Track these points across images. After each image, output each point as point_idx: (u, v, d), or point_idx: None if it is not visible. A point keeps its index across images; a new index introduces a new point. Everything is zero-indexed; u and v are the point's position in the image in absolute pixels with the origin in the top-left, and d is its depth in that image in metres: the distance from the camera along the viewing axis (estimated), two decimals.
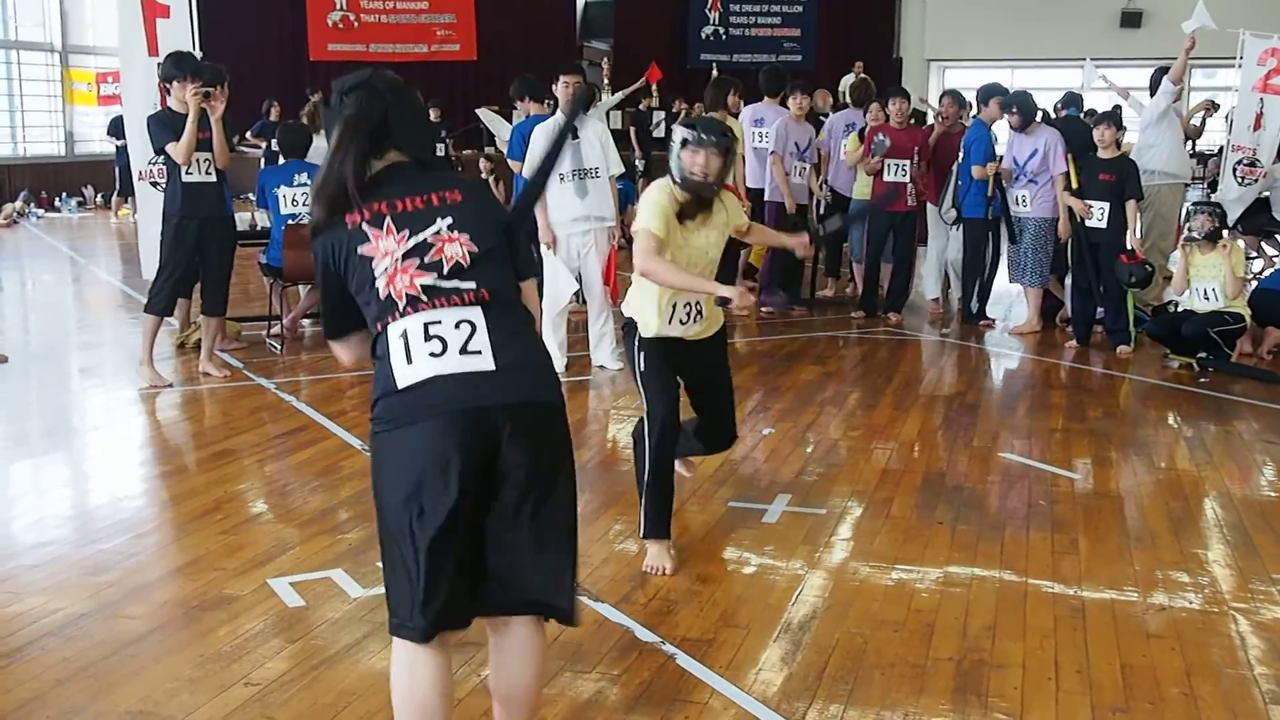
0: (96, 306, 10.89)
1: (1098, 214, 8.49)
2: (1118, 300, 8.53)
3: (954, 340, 9.14)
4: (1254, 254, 11.11)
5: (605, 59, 23.04)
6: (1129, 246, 8.43)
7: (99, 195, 19.51)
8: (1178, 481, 5.67)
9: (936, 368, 8.35)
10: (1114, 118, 8.75)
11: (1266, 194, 10.71)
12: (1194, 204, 8.60)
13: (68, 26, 20.41)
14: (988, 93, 9.55)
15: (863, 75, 13.54)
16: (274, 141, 11.78)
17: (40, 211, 18.38)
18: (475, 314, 2.66)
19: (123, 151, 17.49)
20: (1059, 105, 11.18)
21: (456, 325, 2.64)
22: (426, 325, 2.63)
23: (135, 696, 3.47)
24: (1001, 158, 9.20)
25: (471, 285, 2.67)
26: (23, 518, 5.10)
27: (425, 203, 2.70)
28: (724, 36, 25.38)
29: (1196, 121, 12.40)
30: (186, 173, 7.06)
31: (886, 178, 9.53)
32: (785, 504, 5.23)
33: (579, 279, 7.85)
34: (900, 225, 9.65)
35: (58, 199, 19.13)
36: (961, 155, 9.42)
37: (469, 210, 2.72)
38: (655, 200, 4.44)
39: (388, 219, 2.66)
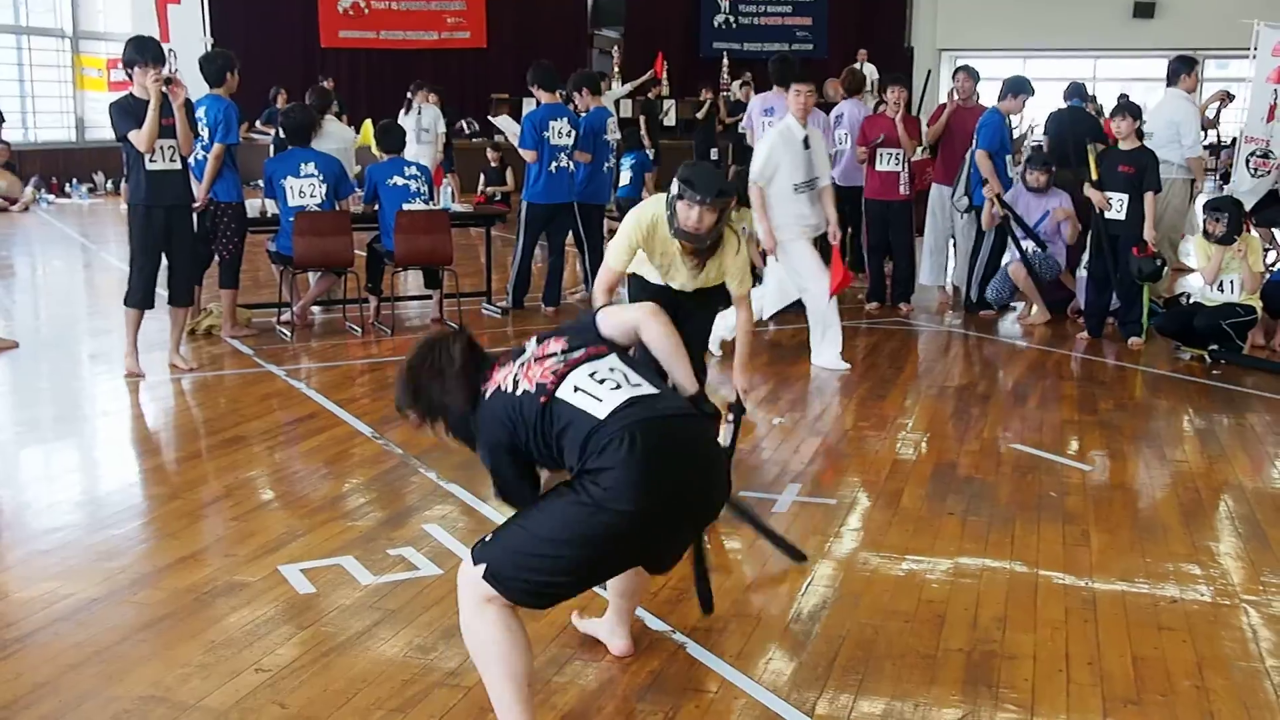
0: (107, 293, 10.88)
1: (1116, 205, 8.41)
2: (1133, 292, 8.48)
3: (964, 331, 9.12)
4: (1267, 246, 11.07)
5: (616, 47, 22.99)
6: (1145, 238, 8.36)
7: (109, 181, 19.51)
8: (1189, 474, 5.66)
9: (947, 358, 8.33)
10: (1131, 108, 8.67)
11: (1278, 186, 10.66)
12: (1205, 206, 8.53)
13: (79, 12, 20.40)
14: (1017, 87, 9.57)
15: (865, 64, 13.50)
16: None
17: (51, 197, 18.39)
18: (613, 358, 3.12)
19: None
20: (1064, 95, 11.14)
21: (610, 370, 3.07)
22: (590, 376, 3.03)
23: (146, 682, 3.48)
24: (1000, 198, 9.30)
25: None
26: (34, 503, 5.11)
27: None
28: (735, 25, 25.33)
29: (1211, 113, 12.36)
30: (150, 160, 6.89)
31: (879, 167, 9.51)
32: (795, 494, 5.23)
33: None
34: (896, 214, 9.59)
35: (68, 185, 19.15)
36: (975, 140, 9.41)
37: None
38: (628, 228, 4.81)
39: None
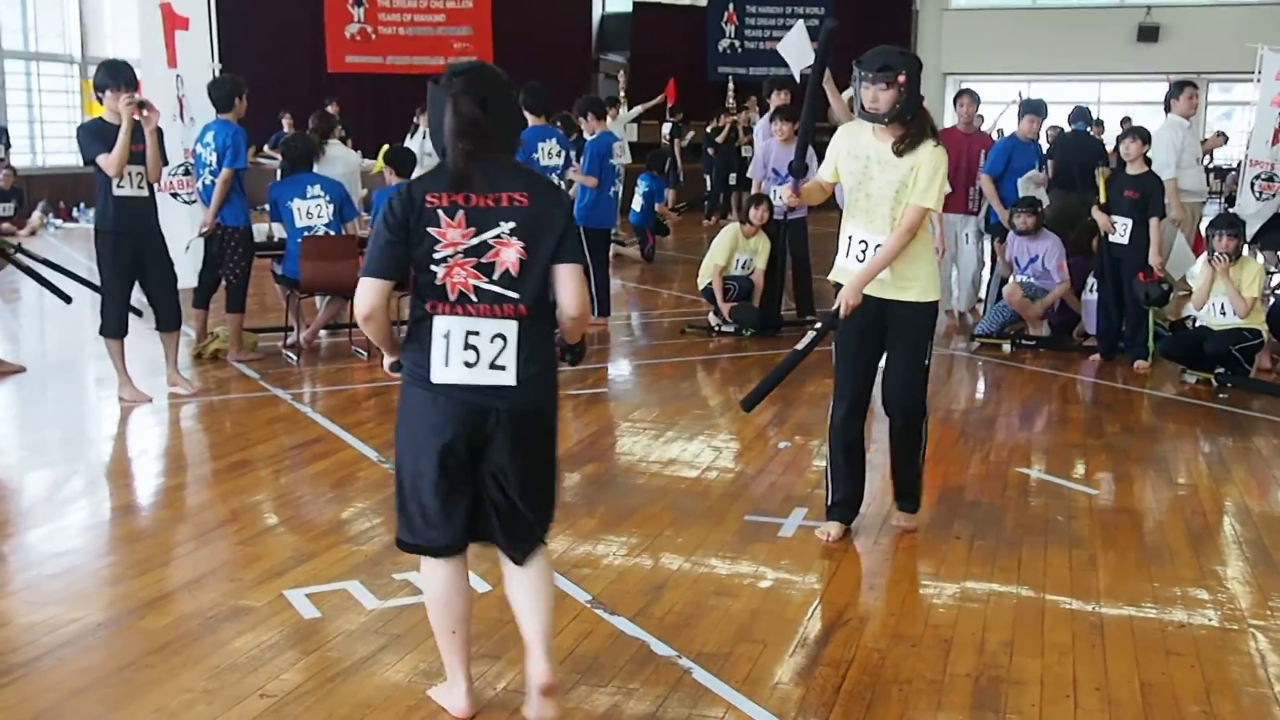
0: None
1: (1120, 230, 8.40)
2: (1137, 315, 8.48)
3: (969, 355, 9.11)
4: (1272, 269, 11.06)
5: (622, 71, 23.10)
6: (1150, 264, 8.33)
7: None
8: (1196, 497, 5.65)
9: (952, 382, 8.32)
10: (1140, 131, 8.62)
11: None
12: (1211, 224, 8.50)
13: (87, 38, 20.52)
14: (1035, 108, 9.69)
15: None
16: None
17: (58, 222, 18.44)
18: (510, 328, 3.11)
19: None
20: (1069, 119, 11.21)
21: (492, 339, 3.11)
22: (467, 334, 3.10)
23: (150, 708, 3.47)
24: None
25: (515, 297, 3.11)
26: (40, 527, 5.11)
27: (495, 201, 3.10)
28: (740, 50, 25.42)
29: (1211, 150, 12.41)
30: (118, 186, 6.79)
31: None
32: (801, 518, 5.22)
33: None
34: None
35: (75, 209, 19.20)
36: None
37: (529, 217, 3.11)
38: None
39: (461, 211, 3.08)
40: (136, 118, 6.71)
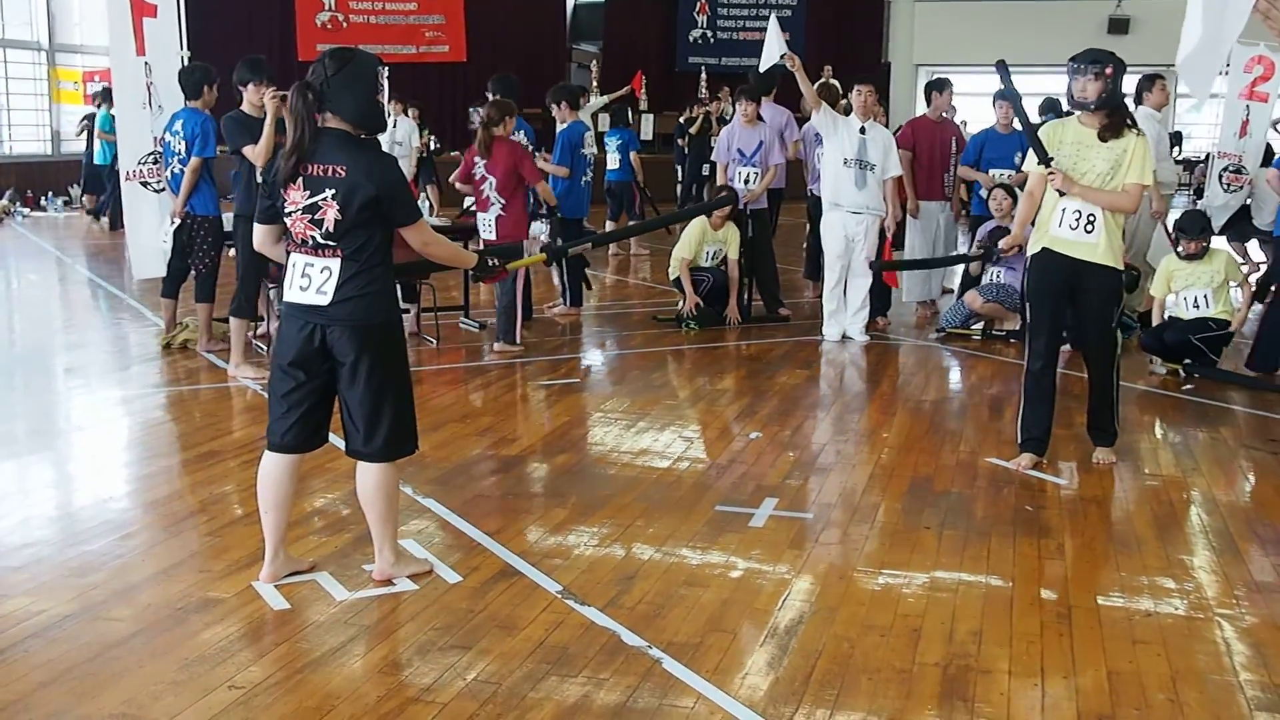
0: (82, 307, 10.84)
1: None
2: None
3: (940, 346, 9.14)
4: (1241, 260, 11.14)
5: (594, 61, 23.05)
6: None
7: (85, 194, 19.42)
8: (1163, 487, 5.69)
9: (923, 372, 8.35)
10: None
11: (1249, 201, 10.74)
12: (1177, 224, 8.53)
13: (55, 25, 20.32)
14: (997, 95, 9.76)
15: (830, 79, 13.63)
16: None
17: (26, 210, 18.28)
18: (335, 264, 3.98)
19: (90, 148, 17.36)
20: (1039, 110, 11.26)
21: (321, 270, 3.99)
22: (305, 266, 4.02)
23: (118, 700, 3.45)
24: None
25: (334, 244, 3.97)
26: (7, 518, 5.06)
27: (324, 172, 3.94)
28: (712, 40, 25.43)
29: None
30: (259, 175, 7.11)
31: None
32: (772, 508, 5.23)
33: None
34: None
35: (43, 198, 19.04)
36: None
37: (345, 185, 3.92)
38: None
39: (301, 178, 3.96)
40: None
